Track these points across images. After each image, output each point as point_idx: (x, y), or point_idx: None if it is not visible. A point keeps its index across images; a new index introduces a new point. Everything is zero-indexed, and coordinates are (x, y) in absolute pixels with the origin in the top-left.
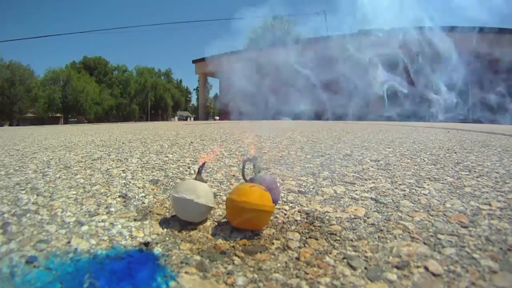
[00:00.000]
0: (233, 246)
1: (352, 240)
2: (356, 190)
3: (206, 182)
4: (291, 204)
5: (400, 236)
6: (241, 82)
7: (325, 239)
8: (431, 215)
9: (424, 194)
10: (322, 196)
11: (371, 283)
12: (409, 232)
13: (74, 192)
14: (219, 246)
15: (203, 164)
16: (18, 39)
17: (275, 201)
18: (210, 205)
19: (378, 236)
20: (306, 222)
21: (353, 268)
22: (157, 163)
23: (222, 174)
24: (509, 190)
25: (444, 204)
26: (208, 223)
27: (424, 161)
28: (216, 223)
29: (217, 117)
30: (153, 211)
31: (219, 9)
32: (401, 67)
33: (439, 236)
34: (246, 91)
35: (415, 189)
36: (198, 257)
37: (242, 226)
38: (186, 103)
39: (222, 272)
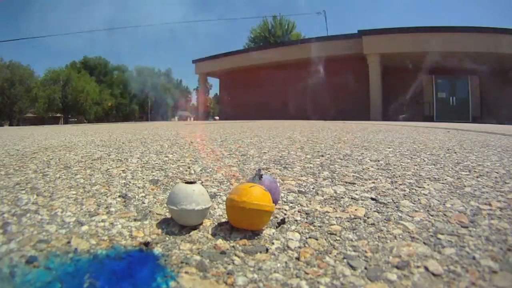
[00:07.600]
0: (233, 246)
1: (352, 240)
2: (356, 190)
3: (196, 182)
4: (291, 204)
5: (400, 236)
6: None
7: (325, 239)
8: (431, 215)
9: (424, 194)
10: (322, 196)
11: (371, 283)
12: (409, 232)
13: (74, 192)
14: (219, 246)
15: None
16: (18, 39)
17: (275, 201)
18: (209, 205)
19: (378, 236)
20: (306, 222)
21: (353, 268)
22: (157, 163)
23: (222, 174)
24: (509, 190)
25: (444, 204)
26: (208, 223)
27: (424, 161)
28: (216, 223)
29: (217, 117)
30: (153, 211)
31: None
32: None
33: (439, 236)
34: None
35: (415, 189)
36: (198, 257)
37: (242, 226)
38: (186, 103)
39: (222, 272)
